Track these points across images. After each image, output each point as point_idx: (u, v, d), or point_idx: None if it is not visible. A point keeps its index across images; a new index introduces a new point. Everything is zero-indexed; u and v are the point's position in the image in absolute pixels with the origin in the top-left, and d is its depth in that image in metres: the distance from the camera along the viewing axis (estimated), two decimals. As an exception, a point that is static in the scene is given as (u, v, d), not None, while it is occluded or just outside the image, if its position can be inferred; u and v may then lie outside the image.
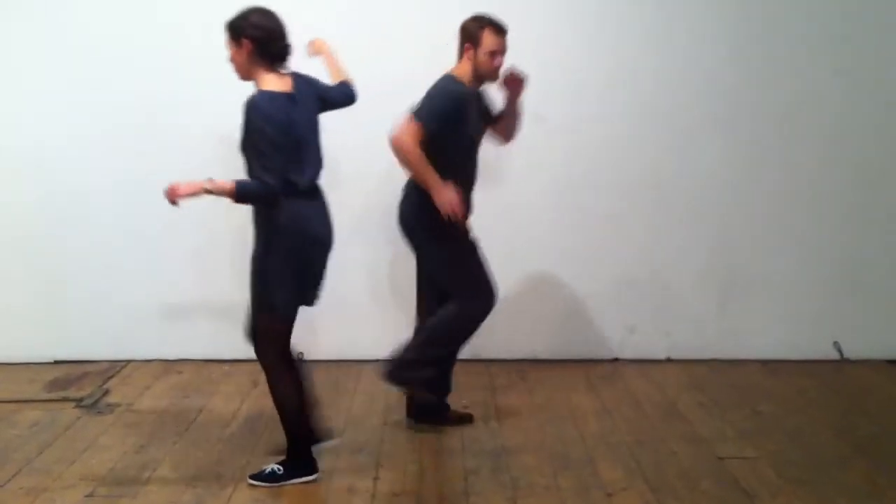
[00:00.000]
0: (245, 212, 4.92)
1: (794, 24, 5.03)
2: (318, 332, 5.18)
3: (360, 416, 4.45)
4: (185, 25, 4.97)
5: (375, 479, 3.74)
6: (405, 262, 4.38)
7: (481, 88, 4.07)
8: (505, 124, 4.16)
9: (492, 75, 3.93)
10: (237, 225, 5.03)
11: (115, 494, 3.61)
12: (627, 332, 5.20)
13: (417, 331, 4.18)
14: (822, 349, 5.26)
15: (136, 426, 4.31)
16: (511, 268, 5.14)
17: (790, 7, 5.02)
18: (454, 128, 3.88)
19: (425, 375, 4.10)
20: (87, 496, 3.60)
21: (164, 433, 4.22)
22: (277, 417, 3.72)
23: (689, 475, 3.77)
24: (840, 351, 5.27)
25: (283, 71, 3.54)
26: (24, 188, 5.08)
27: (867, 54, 5.06)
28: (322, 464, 3.83)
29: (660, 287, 5.11)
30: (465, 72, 3.94)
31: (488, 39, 3.85)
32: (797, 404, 4.61)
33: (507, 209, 5.05)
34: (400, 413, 4.43)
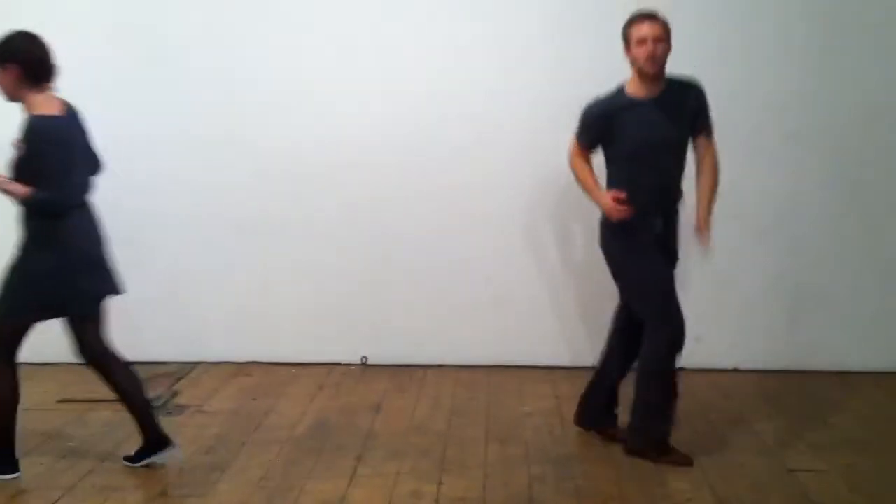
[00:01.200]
0: (325, 220, 5.04)
1: (870, 34, 4.94)
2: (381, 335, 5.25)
3: (425, 420, 4.47)
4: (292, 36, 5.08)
5: (440, 483, 3.75)
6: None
7: (670, 90, 3.82)
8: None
9: (648, 65, 3.71)
10: (309, 231, 5.17)
11: (185, 494, 3.68)
12: (694, 341, 5.13)
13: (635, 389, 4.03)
14: (895, 361, 5.14)
15: (206, 427, 4.38)
16: (580, 276, 5.15)
17: (870, 18, 4.93)
18: (602, 138, 3.87)
19: (662, 429, 3.97)
20: (157, 495, 3.67)
21: (233, 434, 4.28)
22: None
23: (758, 487, 3.71)
24: (915, 364, 5.15)
25: (53, 93, 3.65)
26: (102, 184, 5.16)
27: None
28: (387, 467, 3.86)
29: (727, 296, 5.05)
30: (631, 78, 3.84)
31: (634, 31, 3.75)
32: (870, 417, 4.52)
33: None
34: (466, 417, 4.44)
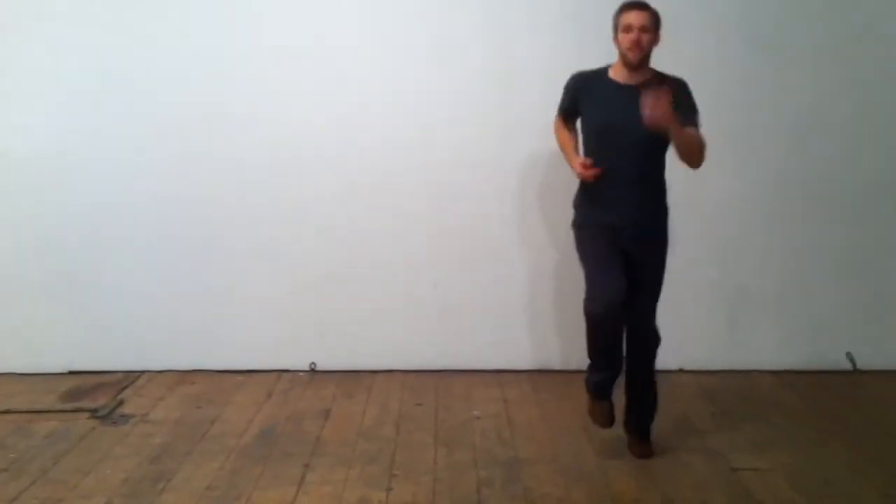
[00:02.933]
0: (268, 225, 5.02)
1: (802, 38, 5.03)
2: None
3: (374, 426, 4.46)
4: (220, 38, 5.03)
5: (388, 489, 3.75)
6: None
7: (656, 81, 3.77)
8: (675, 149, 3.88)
9: (630, 52, 3.75)
10: (253, 236, 5.14)
11: (130, 505, 3.64)
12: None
13: None
14: (835, 360, 5.25)
15: (151, 437, 4.33)
16: (529, 280, 5.19)
17: (796, 23, 5.03)
18: (574, 107, 3.96)
19: (588, 379, 4.10)
20: (102, 506, 3.63)
21: (179, 444, 4.24)
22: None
23: (703, 487, 3.77)
24: (853, 362, 5.25)
25: None
26: (42, 198, 5.12)
27: (880, 67, 5.06)
28: (335, 474, 3.86)
29: (671, 299, 5.12)
30: (615, 63, 3.88)
31: (622, 18, 3.79)
32: (810, 416, 4.60)
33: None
34: (415, 422, 4.48)
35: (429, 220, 5.15)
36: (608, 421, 4.12)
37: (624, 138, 3.80)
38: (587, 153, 3.91)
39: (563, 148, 4.07)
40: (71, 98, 5.04)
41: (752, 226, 5.18)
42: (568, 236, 4.08)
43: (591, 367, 4.07)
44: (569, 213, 4.06)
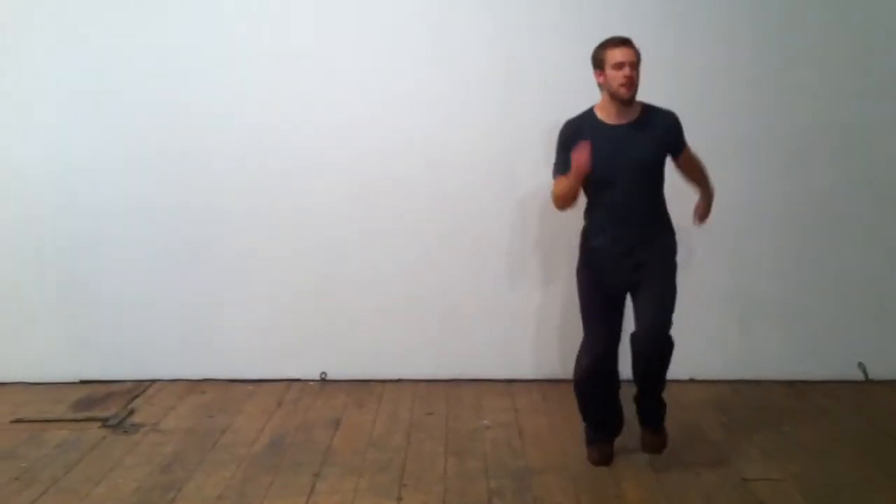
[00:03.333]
0: (279, 234, 5.04)
1: (811, 50, 5.04)
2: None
3: (384, 435, 4.46)
4: (221, 47, 5.05)
5: (399, 499, 3.75)
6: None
7: (644, 118, 3.84)
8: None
9: (623, 90, 3.72)
10: (263, 245, 5.16)
11: (141, 514, 3.65)
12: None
13: None
14: (846, 370, 5.23)
15: (161, 446, 4.34)
16: (539, 289, 5.19)
17: (803, 29, 5.03)
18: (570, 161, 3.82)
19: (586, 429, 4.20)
20: (113, 515, 3.64)
21: (189, 453, 4.25)
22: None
23: (713, 497, 3.76)
24: (865, 372, 5.23)
25: None
26: (49, 205, 5.15)
27: (888, 73, 5.06)
28: (345, 483, 3.87)
29: (683, 308, 5.11)
30: (601, 102, 3.86)
31: (608, 55, 3.74)
32: (822, 426, 4.58)
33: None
34: (425, 432, 4.48)
35: (438, 227, 5.16)
36: (604, 460, 4.09)
37: (624, 177, 3.82)
38: (589, 195, 3.93)
39: (563, 188, 3.85)
40: (73, 104, 5.08)
41: (763, 234, 5.17)
42: (577, 241, 4.08)
43: (586, 428, 4.16)
44: (575, 219, 4.05)
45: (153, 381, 5.24)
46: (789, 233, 5.17)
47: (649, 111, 3.87)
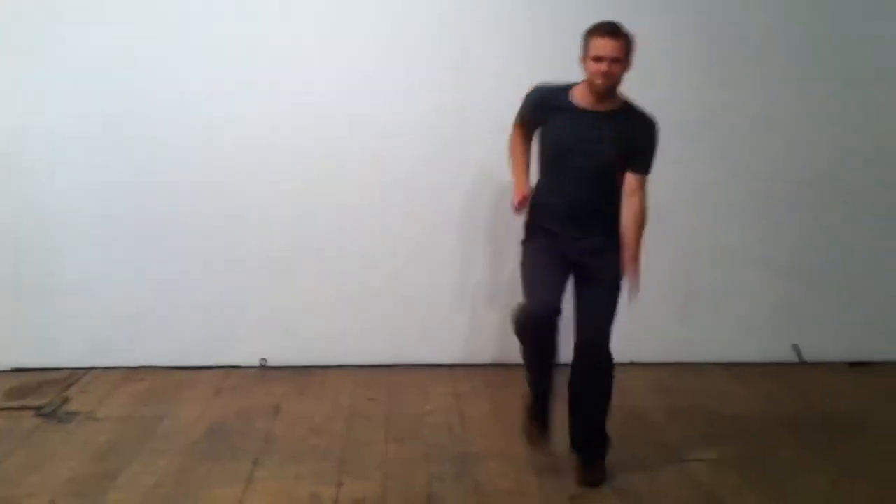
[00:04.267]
0: (217, 219, 4.97)
1: (757, 36, 5.09)
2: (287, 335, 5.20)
3: (325, 422, 4.43)
4: (175, 28, 4.93)
5: (339, 485, 3.73)
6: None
7: (620, 113, 3.70)
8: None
9: (598, 81, 3.57)
10: (201, 229, 5.08)
11: (75, 504, 3.57)
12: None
13: None
14: (781, 352, 5.33)
15: (97, 435, 4.26)
16: (481, 274, 5.19)
17: (751, 20, 5.08)
18: (536, 120, 3.78)
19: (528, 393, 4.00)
20: (45, 506, 3.56)
21: (125, 442, 4.17)
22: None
23: (654, 478, 3.80)
24: (799, 353, 5.33)
25: None
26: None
27: (827, 69, 5.14)
28: (285, 471, 3.83)
29: (624, 294, 5.16)
30: (581, 84, 3.71)
31: (592, 45, 3.59)
32: (758, 407, 4.66)
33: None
34: (367, 418, 4.46)
35: (382, 214, 5.12)
36: (538, 442, 3.96)
37: (582, 163, 3.69)
38: (542, 170, 3.84)
39: (514, 167, 3.87)
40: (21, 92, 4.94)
41: (703, 222, 5.23)
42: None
43: (527, 385, 4.00)
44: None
45: (89, 370, 5.14)
46: (727, 220, 5.24)
47: (628, 109, 3.71)
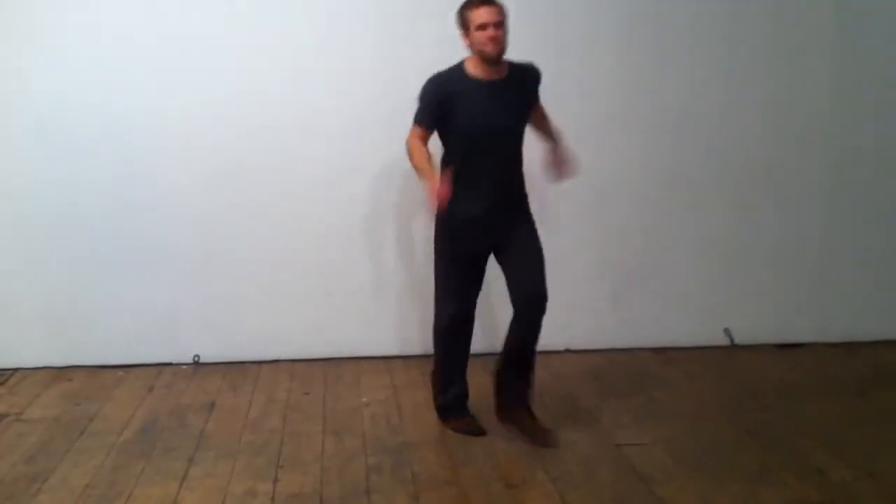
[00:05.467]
0: (146, 213, 4.89)
1: (682, 23, 5.15)
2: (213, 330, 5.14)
3: (260, 417, 4.39)
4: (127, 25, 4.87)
5: (276, 480, 3.70)
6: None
7: (512, 75, 3.86)
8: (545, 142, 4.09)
9: (491, 50, 3.70)
10: (130, 225, 4.99)
11: (4, 508, 3.49)
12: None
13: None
14: (712, 336, 5.42)
15: (26, 436, 4.16)
16: (414, 265, 5.18)
17: (677, 8, 5.15)
18: (441, 114, 3.80)
19: (437, 398, 4.31)
20: (-27, 511, 3.47)
21: (55, 442, 4.09)
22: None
23: (588, 463, 3.83)
24: (730, 337, 5.43)
25: None
26: None
27: (750, 53, 5.22)
28: (220, 467, 3.79)
29: (556, 281, 5.18)
30: (471, 59, 3.81)
31: (473, 15, 3.70)
32: (690, 390, 4.74)
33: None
34: (302, 412, 4.44)
35: (313, 206, 5.08)
36: (480, 431, 4.12)
37: (493, 136, 3.81)
38: (452, 157, 3.86)
39: (420, 165, 3.81)
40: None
41: (633, 208, 5.29)
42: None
43: (440, 387, 4.22)
44: None
45: (16, 370, 5.02)
46: (657, 206, 5.31)
47: (515, 68, 3.88)
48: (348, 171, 5.05)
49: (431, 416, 4.36)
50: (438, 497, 3.57)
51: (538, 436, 4.01)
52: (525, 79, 3.93)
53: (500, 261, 4.02)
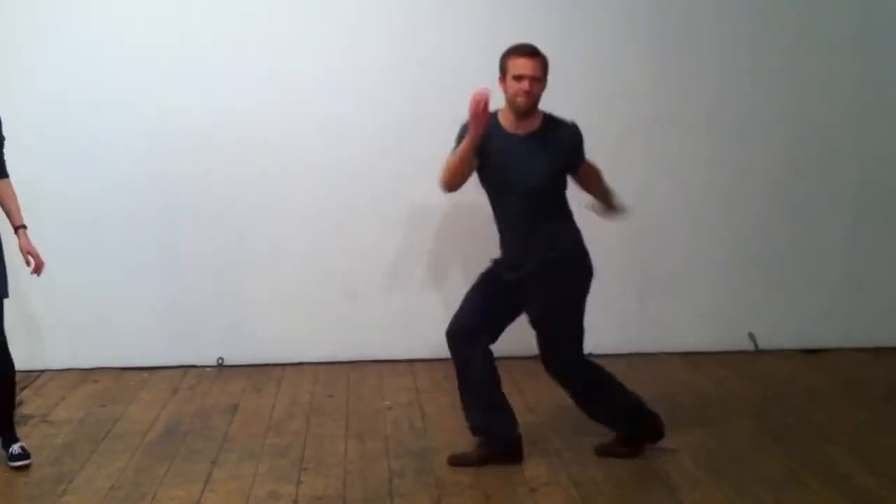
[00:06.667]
0: (172, 218, 4.90)
1: (712, 29, 5.15)
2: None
3: (283, 420, 4.40)
4: (121, 31, 4.92)
5: (299, 483, 3.70)
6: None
7: (548, 129, 3.72)
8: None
9: (521, 100, 3.61)
10: (156, 230, 5.02)
11: (29, 508, 3.51)
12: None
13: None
14: (737, 341, 5.38)
15: (52, 437, 4.20)
16: (439, 269, 5.17)
17: (706, 15, 5.15)
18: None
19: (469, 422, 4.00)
20: (0, 511, 3.50)
21: (81, 444, 4.12)
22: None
23: (611, 469, 3.81)
24: (755, 342, 5.39)
25: None
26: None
27: (782, 60, 5.22)
28: (243, 470, 3.81)
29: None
30: (503, 108, 3.71)
31: (511, 64, 3.62)
32: (715, 395, 4.71)
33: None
34: (325, 415, 4.43)
35: (338, 209, 5.10)
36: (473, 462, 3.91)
37: (520, 188, 3.69)
38: (490, 198, 3.82)
39: (454, 155, 3.69)
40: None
41: (659, 214, 5.26)
42: (480, 225, 4.07)
43: (462, 407, 3.99)
44: (480, 199, 3.95)
45: (42, 371, 5.07)
46: (683, 211, 5.30)
47: (550, 122, 3.74)
48: (373, 175, 5.06)
49: (455, 421, 4.33)
50: (461, 501, 3.56)
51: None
52: (561, 137, 3.74)
53: (531, 324, 3.91)
